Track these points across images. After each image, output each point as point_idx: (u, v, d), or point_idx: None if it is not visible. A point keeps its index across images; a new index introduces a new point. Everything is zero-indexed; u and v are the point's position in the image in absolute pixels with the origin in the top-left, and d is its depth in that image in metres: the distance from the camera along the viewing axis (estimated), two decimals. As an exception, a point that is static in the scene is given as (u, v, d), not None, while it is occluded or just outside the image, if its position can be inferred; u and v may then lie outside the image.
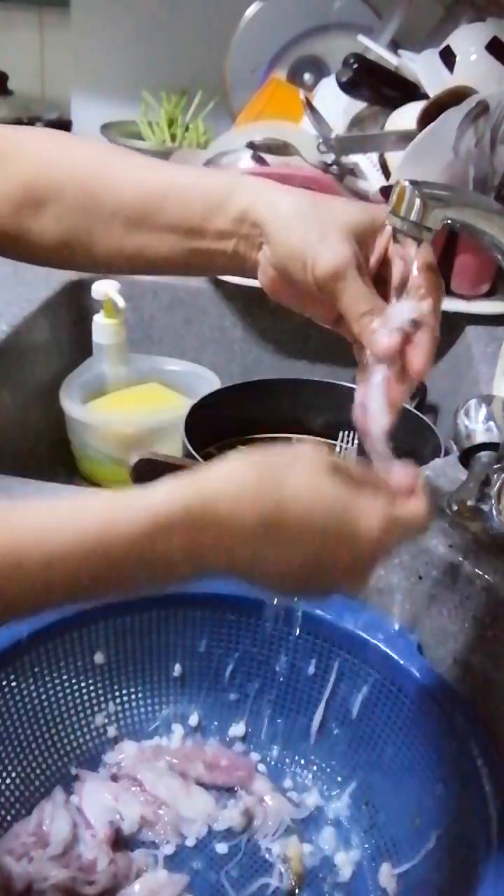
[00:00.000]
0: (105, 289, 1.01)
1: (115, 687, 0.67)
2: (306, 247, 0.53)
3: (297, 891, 0.60)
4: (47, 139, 0.62)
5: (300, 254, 0.53)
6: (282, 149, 1.07)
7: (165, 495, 0.43)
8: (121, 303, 1.02)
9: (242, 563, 0.44)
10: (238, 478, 0.44)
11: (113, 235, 0.59)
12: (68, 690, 0.65)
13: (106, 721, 0.67)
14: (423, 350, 0.54)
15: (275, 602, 0.58)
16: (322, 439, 0.99)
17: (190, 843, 0.63)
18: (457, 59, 1.05)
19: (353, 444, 0.96)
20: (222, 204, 0.56)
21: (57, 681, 0.65)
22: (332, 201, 0.56)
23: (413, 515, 0.47)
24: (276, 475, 0.44)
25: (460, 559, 0.61)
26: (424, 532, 0.50)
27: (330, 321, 0.57)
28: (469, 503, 0.64)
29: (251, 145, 1.08)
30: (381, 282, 0.55)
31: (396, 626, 0.66)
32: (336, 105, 1.14)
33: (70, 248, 0.60)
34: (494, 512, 0.59)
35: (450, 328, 1.05)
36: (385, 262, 0.56)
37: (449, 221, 0.51)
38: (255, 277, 0.58)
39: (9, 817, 0.61)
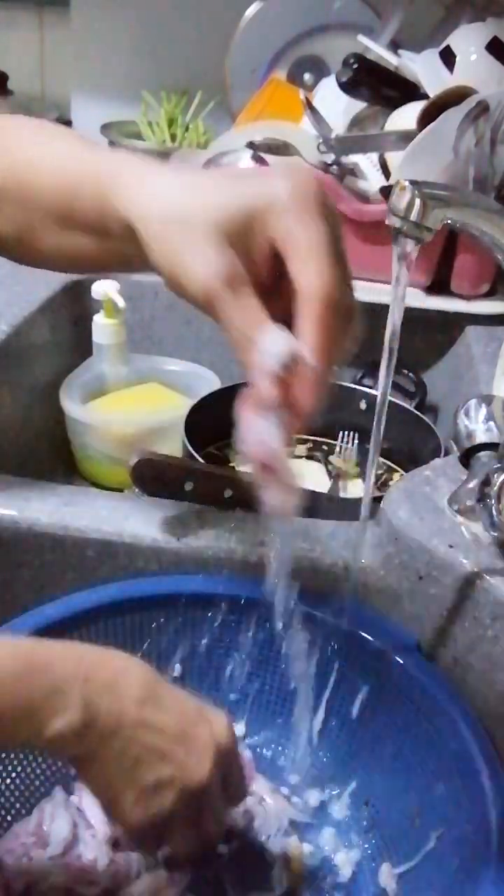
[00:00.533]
0: (105, 289, 1.01)
1: (115, 687, 0.67)
2: (173, 260, 0.45)
3: (297, 891, 0.60)
4: None
5: (170, 270, 0.45)
6: (282, 149, 1.07)
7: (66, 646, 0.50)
8: (121, 303, 1.02)
9: (129, 714, 0.48)
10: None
11: (50, 234, 0.54)
12: (68, 690, 0.65)
13: (106, 721, 0.67)
14: (306, 388, 0.45)
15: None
16: (322, 439, 0.99)
17: (190, 843, 0.63)
18: (457, 59, 1.05)
19: (352, 444, 0.96)
20: (109, 204, 0.49)
21: (57, 681, 0.64)
22: (208, 187, 0.46)
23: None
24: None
25: (460, 559, 0.61)
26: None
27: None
28: (469, 503, 0.64)
29: (251, 145, 1.08)
30: (276, 282, 0.46)
31: (396, 626, 0.66)
32: (336, 105, 1.14)
33: (21, 244, 0.57)
34: (494, 512, 0.59)
35: (450, 328, 1.05)
36: (272, 261, 0.46)
37: (449, 221, 0.51)
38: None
39: (9, 817, 0.61)
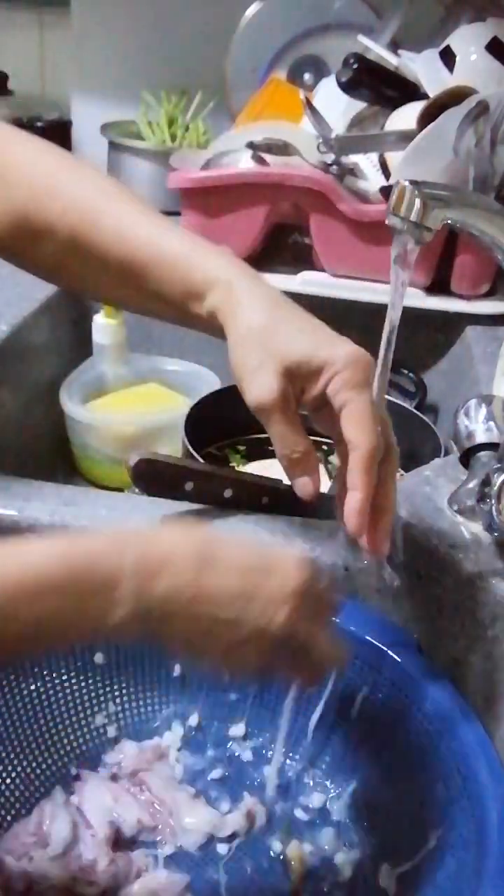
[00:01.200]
0: (105, 289, 1.01)
1: (115, 687, 0.67)
2: (244, 373, 0.56)
3: (297, 891, 0.60)
4: (41, 160, 0.61)
5: (238, 376, 0.57)
6: (282, 149, 1.07)
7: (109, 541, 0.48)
8: (121, 303, 1.02)
9: (181, 589, 0.47)
10: (170, 531, 0.53)
11: (103, 285, 0.61)
12: (68, 690, 0.65)
13: (106, 721, 0.67)
14: (383, 531, 0.57)
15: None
16: (322, 439, 0.99)
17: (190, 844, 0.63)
18: (457, 59, 1.05)
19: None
20: (199, 297, 0.58)
21: (57, 681, 0.65)
22: (281, 326, 0.56)
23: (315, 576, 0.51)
24: (204, 535, 0.52)
25: (460, 559, 0.61)
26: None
27: None
28: (469, 503, 0.64)
29: (251, 145, 1.08)
30: (324, 408, 0.57)
31: (396, 626, 0.66)
32: (336, 105, 1.14)
33: (66, 280, 0.63)
34: (494, 512, 0.59)
35: (450, 328, 1.05)
36: (321, 404, 0.57)
37: (449, 221, 0.51)
38: None
39: (9, 817, 0.61)
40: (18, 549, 0.46)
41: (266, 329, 0.56)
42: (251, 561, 0.50)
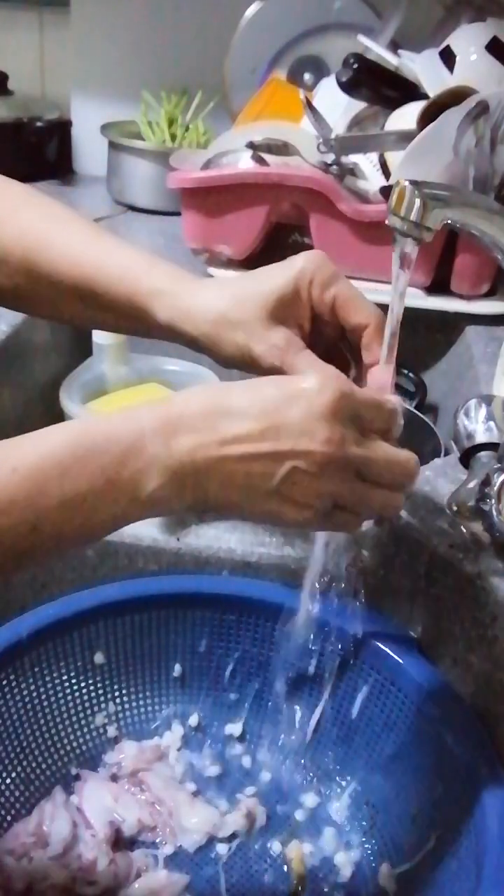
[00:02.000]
0: (105, 289, 1.01)
1: (115, 687, 0.67)
2: (242, 354, 0.56)
3: (297, 891, 0.60)
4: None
5: (240, 360, 0.56)
6: (282, 149, 1.07)
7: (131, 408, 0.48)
8: (121, 303, 1.02)
9: (206, 443, 0.47)
10: (185, 393, 0.50)
11: (60, 305, 0.61)
12: (68, 690, 0.65)
13: (106, 721, 0.67)
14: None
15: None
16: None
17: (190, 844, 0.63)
18: (457, 59, 1.04)
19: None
20: (149, 311, 0.58)
21: (57, 681, 0.65)
22: (245, 287, 0.56)
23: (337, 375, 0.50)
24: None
25: (460, 559, 0.61)
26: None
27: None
28: (469, 503, 0.64)
29: (251, 145, 1.07)
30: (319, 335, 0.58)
31: (396, 626, 0.66)
32: (336, 105, 1.14)
33: (24, 303, 0.63)
34: (494, 512, 0.59)
35: (450, 328, 1.05)
36: (316, 318, 0.57)
37: (449, 221, 0.51)
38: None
39: (9, 817, 0.61)
40: (33, 434, 0.45)
41: (230, 303, 0.56)
42: (267, 394, 0.48)
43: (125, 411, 0.48)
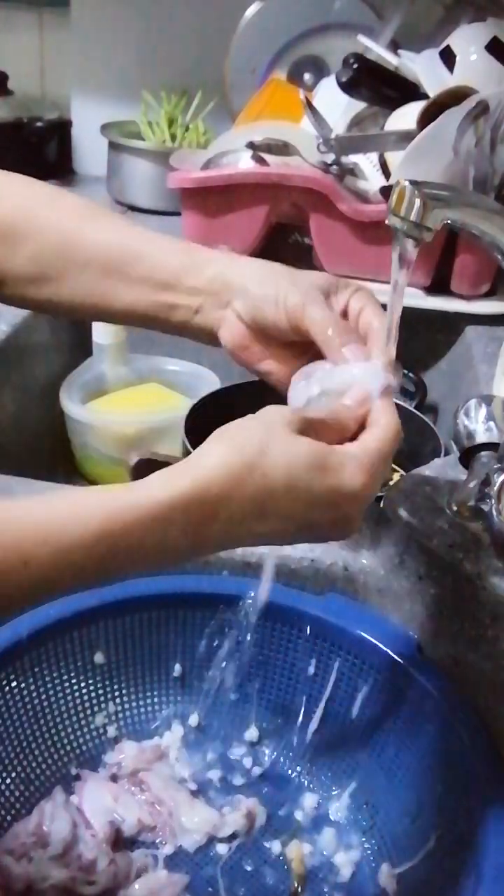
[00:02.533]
0: (105, 289, 1.01)
1: (115, 687, 0.67)
2: (278, 290, 0.57)
3: (297, 891, 0.60)
4: (31, 184, 0.64)
5: (272, 296, 0.57)
6: (282, 149, 1.07)
7: (160, 487, 0.45)
8: (121, 303, 1.02)
9: (239, 536, 0.47)
10: (226, 462, 0.46)
11: (84, 280, 0.61)
12: (68, 690, 0.65)
13: (106, 721, 0.67)
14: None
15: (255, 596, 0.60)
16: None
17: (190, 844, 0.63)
18: (457, 59, 1.05)
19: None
20: (198, 265, 0.60)
21: (57, 681, 0.65)
22: (298, 269, 0.60)
23: (385, 437, 0.50)
24: (257, 454, 0.47)
25: (460, 559, 0.61)
26: (400, 438, 0.52)
27: (281, 376, 0.60)
28: (469, 503, 0.64)
29: (251, 145, 1.08)
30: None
31: (396, 626, 0.66)
32: (336, 105, 1.14)
33: (39, 286, 0.63)
34: (494, 512, 0.59)
35: (450, 328, 1.05)
36: (344, 317, 0.58)
37: (449, 221, 0.51)
38: (209, 335, 0.62)
39: (9, 817, 0.61)
40: (46, 519, 0.44)
41: (282, 268, 0.58)
42: (311, 498, 0.47)
43: (153, 505, 0.45)
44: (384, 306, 0.55)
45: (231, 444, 0.47)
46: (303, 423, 0.48)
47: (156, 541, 0.45)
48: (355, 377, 0.53)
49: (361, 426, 0.51)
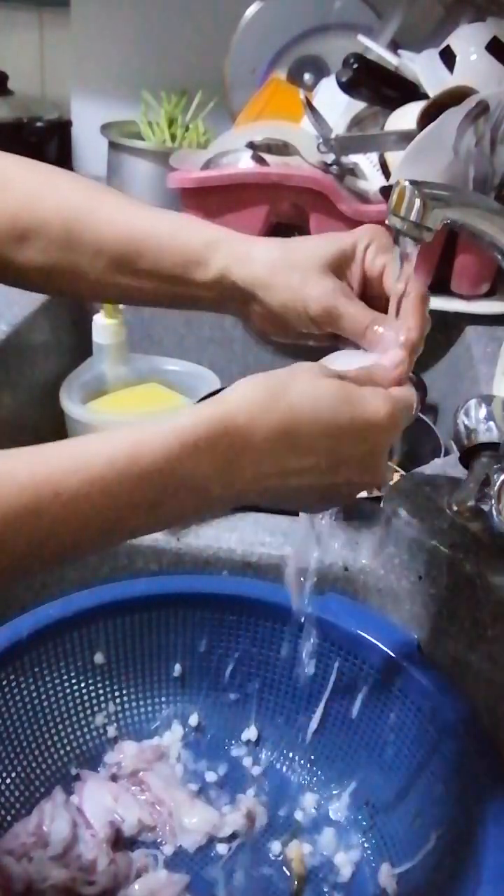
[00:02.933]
0: (105, 289, 1.01)
1: (115, 687, 0.67)
2: (294, 296, 0.57)
3: (297, 891, 0.60)
4: (33, 171, 0.63)
5: (291, 304, 0.57)
6: (282, 149, 1.07)
7: (189, 419, 0.45)
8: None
9: (269, 474, 0.47)
10: (250, 395, 0.47)
11: (96, 273, 0.61)
12: (68, 690, 0.65)
13: (106, 721, 0.67)
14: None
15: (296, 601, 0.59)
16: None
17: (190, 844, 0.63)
18: (457, 59, 1.04)
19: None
20: (201, 261, 0.59)
21: (57, 681, 0.65)
22: (302, 242, 0.59)
23: (407, 395, 0.51)
24: (282, 386, 0.47)
25: (460, 559, 0.61)
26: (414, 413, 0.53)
27: (329, 342, 0.59)
28: (469, 503, 0.64)
29: (251, 145, 1.08)
30: (366, 301, 0.58)
31: (396, 626, 0.66)
32: (336, 105, 1.14)
33: (55, 279, 0.63)
34: (494, 512, 0.59)
35: (450, 328, 1.05)
36: (366, 284, 0.58)
37: (449, 221, 0.51)
38: (242, 317, 0.61)
39: (9, 817, 0.61)
40: (76, 447, 0.44)
41: (287, 253, 0.58)
42: (338, 427, 0.47)
43: (183, 440, 0.44)
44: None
45: (255, 380, 0.48)
46: (331, 373, 0.49)
47: (186, 471, 0.44)
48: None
49: None
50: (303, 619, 0.62)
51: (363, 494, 0.90)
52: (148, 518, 0.45)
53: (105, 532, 0.44)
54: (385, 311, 0.56)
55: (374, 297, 0.58)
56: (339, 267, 0.57)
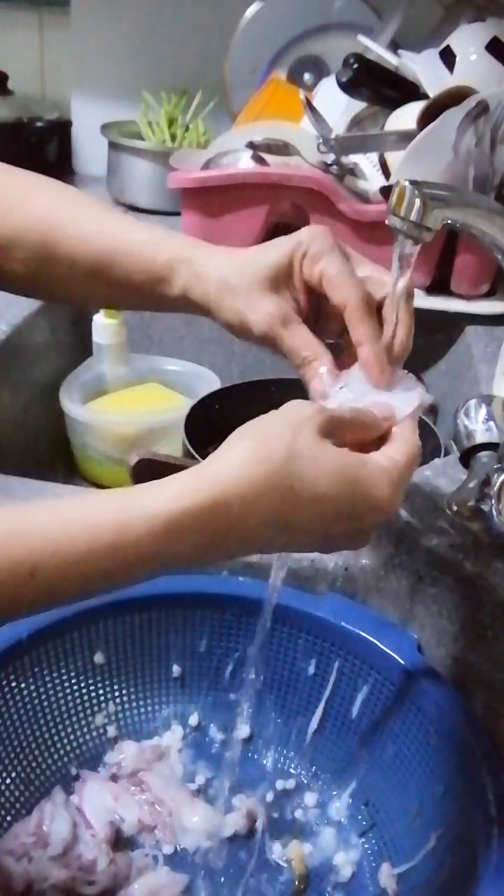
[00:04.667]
0: (105, 289, 1.01)
1: (115, 687, 0.67)
2: (240, 319, 0.57)
3: (297, 891, 0.60)
4: (10, 179, 0.63)
5: (239, 326, 0.57)
6: (282, 149, 1.07)
7: (177, 498, 0.43)
8: (121, 303, 1.02)
9: (252, 549, 0.47)
10: (248, 471, 0.44)
11: (74, 285, 0.62)
12: (68, 690, 0.65)
13: (106, 721, 0.67)
14: (368, 362, 0.55)
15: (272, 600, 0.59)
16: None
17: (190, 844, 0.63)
18: (457, 59, 1.05)
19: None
20: (164, 279, 0.59)
21: (57, 681, 0.65)
22: (251, 255, 0.58)
23: (412, 454, 0.49)
24: (282, 461, 0.44)
25: (460, 559, 0.61)
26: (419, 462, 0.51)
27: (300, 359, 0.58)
28: (469, 503, 0.64)
29: (251, 145, 1.08)
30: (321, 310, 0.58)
31: (396, 626, 0.66)
32: (336, 105, 1.14)
33: (39, 286, 0.64)
34: (494, 512, 0.59)
35: (450, 328, 1.05)
36: (310, 288, 0.57)
37: (449, 221, 0.51)
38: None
39: (9, 817, 0.61)
40: (51, 523, 0.43)
41: (236, 272, 0.57)
42: (336, 509, 0.45)
43: (167, 519, 0.43)
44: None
45: (255, 449, 0.44)
46: (330, 424, 0.47)
47: (169, 553, 0.44)
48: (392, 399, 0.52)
49: (381, 437, 0.50)
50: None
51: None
52: (119, 585, 0.45)
53: (72, 599, 0.44)
54: (341, 321, 0.55)
55: (327, 305, 0.56)
56: (278, 282, 0.56)
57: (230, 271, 0.57)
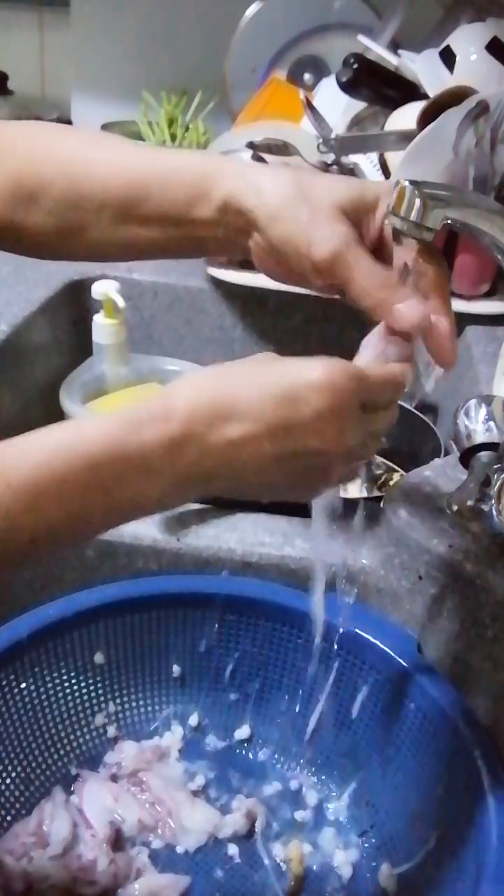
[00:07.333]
0: (105, 289, 1.01)
1: (115, 687, 0.67)
2: (298, 232, 0.52)
3: (297, 891, 0.60)
4: (37, 132, 0.62)
5: (293, 240, 0.52)
6: (282, 149, 1.07)
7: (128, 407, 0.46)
8: (121, 303, 1.02)
9: (213, 447, 0.45)
10: (192, 379, 0.47)
11: (103, 227, 0.60)
12: (68, 690, 0.65)
13: (106, 721, 0.67)
14: (444, 335, 0.54)
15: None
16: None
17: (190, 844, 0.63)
18: (457, 59, 1.05)
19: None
20: (205, 193, 0.55)
21: (57, 681, 0.65)
22: (318, 178, 0.55)
23: (385, 372, 0.50)
24: (225, 368, 0.48)
25: (460, 559, 0.61)
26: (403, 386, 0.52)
27: (335, 292, 0.55)
28: (469, 503, 0.64)
29: (251, 145, 1.07)
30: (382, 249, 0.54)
31: (396, 626, 0.66)
32: (336, 105, 1.14)
33: (64, 238, 0.61)
34: (494, 512, 0.59)
35: (450, 328, 1.05)
36: (381, 243, 0.54)
37: (449, 221, 0.51)
38: (249, 254, 0.57)
39: (9, 817, 0.61)
40: (25, 441, 0.46)
41: (300, 185, 0.53)
42: (273, 392, 0.46)
43: (125, 422, 0.45)
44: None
45: (204, 369, 0.48)
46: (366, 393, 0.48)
47: (131, 448, 0.44)
48: None
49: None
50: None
51: (358, 491, 0.91)
52: (105, 503, 0.44)
53: (63, 522, 0.44)
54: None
55: (383, 263, 0.53)
56: (355, 214, 0.53)
57: (299, 183, 0.53)
